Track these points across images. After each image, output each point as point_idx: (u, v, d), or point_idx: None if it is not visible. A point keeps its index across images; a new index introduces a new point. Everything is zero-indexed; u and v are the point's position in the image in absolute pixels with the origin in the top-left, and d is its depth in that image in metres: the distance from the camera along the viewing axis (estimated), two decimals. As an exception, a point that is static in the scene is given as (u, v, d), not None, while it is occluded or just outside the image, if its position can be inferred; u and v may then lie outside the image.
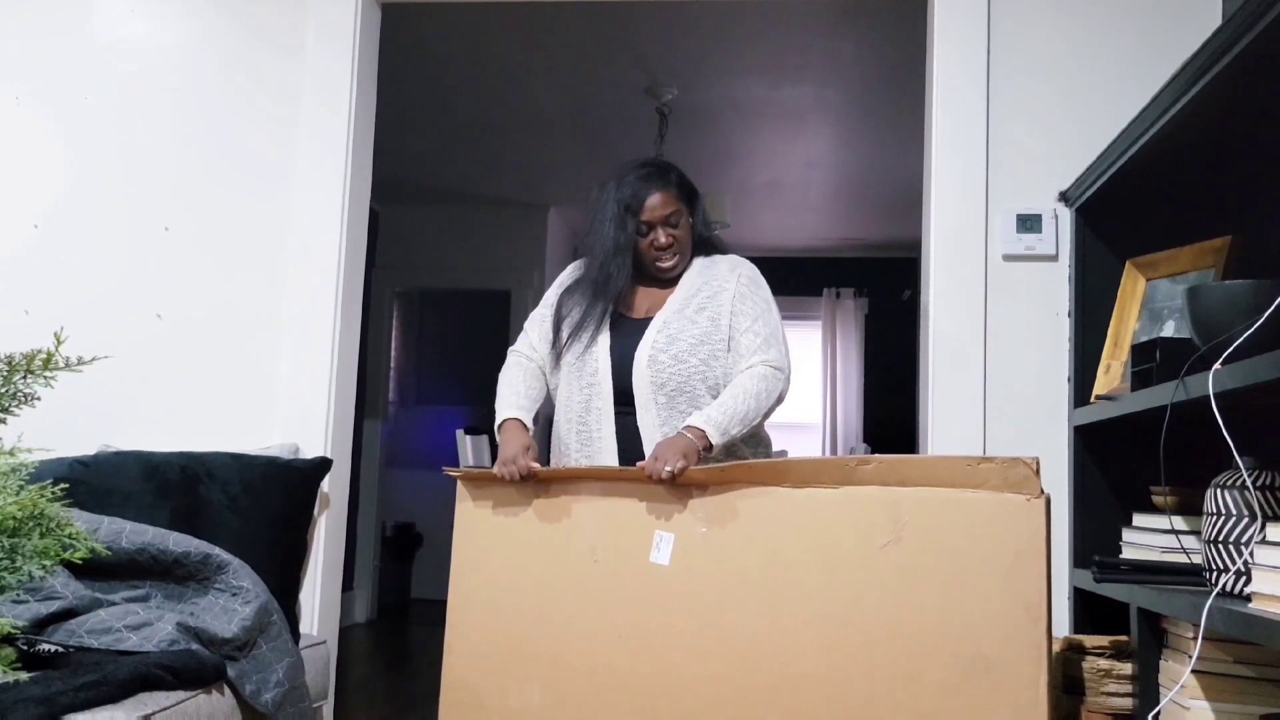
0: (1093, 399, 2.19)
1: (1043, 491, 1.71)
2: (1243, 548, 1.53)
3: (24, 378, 1.55)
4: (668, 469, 1.87)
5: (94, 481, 2.25)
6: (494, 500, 2.00)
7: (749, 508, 1.84)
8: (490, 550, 1.99)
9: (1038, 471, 1.70)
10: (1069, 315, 2.39)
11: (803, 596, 1.78)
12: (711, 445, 1.99)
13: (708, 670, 1.81)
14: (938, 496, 1.73)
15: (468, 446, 2.34)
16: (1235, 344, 1.49)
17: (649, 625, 1.85)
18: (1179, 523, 1.88)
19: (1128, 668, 1.90)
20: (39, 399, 1.58)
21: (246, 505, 2.27)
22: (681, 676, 1.82)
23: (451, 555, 2.02)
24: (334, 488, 2.61)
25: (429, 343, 7.32)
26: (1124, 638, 1.97)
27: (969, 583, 1.69)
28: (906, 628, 1.71)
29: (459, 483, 2.05)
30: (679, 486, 1.88)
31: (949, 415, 2.42)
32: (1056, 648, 2.03)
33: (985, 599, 1.68)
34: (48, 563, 1.49)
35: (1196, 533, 1.81)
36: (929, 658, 1.69)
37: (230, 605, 1.89)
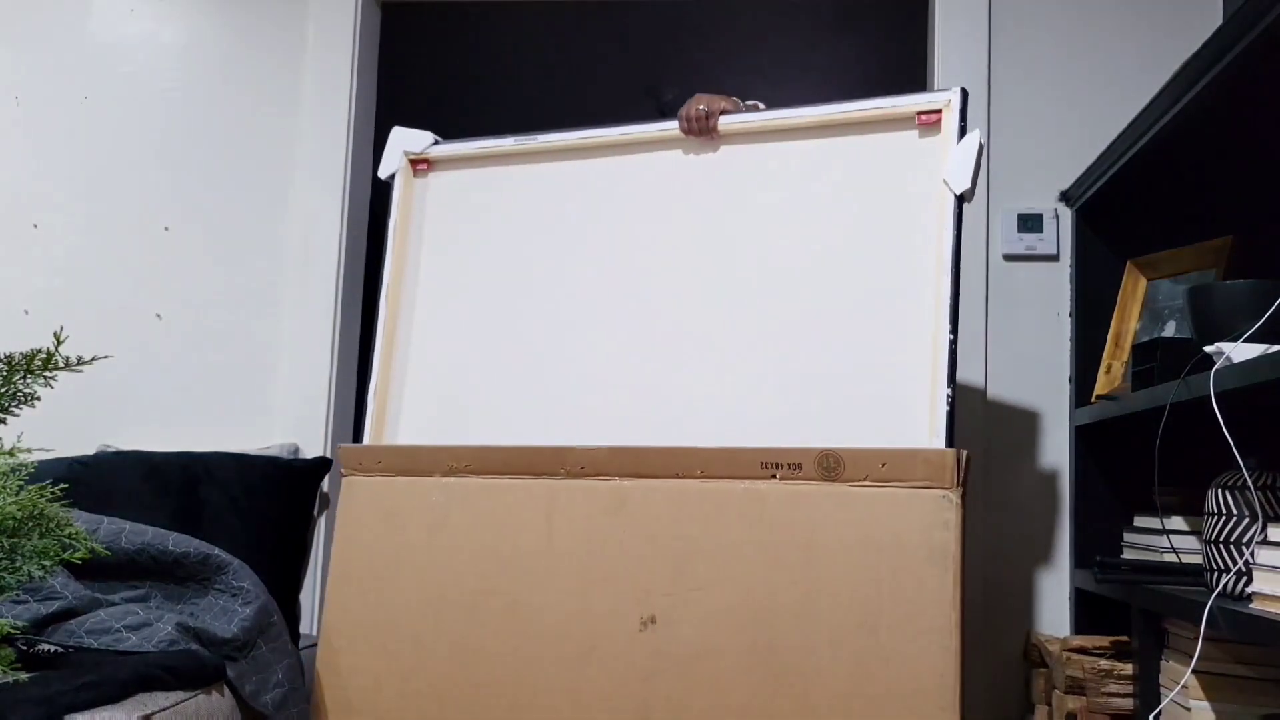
0: (1093, 399, 2.19)
1: (959, 484, 1.69)
2: (1244, 548, 1.53)
3: (24, 378, 1.55)
4: (701, 108, 2.03)
5: (94, 481, 2.25)
6: (384, 473, 2.02)
7: (661, 499, 1.83)
8: (376, 536, 2.00)
9: (959, 464, 1.69)
10: (1070, 315, 2.39)
11: (712, 593, 1.77)
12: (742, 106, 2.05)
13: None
14: (855, 492, 1.73)
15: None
16: (1236, 344, 1.49)
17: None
18: (1181, 523, 1.88)
19: (1128, 668, 1.90)
20: (39, 399, 1.57)
21: (247, 506, 2.27)
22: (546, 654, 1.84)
23: (334, 541, 2.03)
24: (334, 488, 2.61)
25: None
26: (1124, 638, 1.97)
27: (880, 575, 1.69)
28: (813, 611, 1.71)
29: (340, 455, 2.07)
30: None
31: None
32: (1057, 648, 2.03)
33: (898, 591, 1.68)
34: (47, 563, 1.49)
35: (1198, 533, 1.81)
36: (834, 647, 1.69)
37: (230, 606, 1.89)
